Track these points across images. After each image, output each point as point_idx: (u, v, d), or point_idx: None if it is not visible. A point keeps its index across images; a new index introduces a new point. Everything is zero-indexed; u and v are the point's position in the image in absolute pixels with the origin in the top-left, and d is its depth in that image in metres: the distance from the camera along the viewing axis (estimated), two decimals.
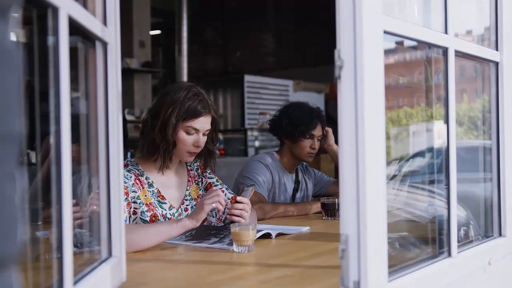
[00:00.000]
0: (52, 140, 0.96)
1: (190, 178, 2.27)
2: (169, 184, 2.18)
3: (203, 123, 2.10)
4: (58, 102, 0.94)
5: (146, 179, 2.12)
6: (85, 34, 1.18)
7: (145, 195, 2.08)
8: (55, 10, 0.93)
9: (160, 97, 2.14)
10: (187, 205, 2.21)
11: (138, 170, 2.11)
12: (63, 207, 0.95)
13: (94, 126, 1.28)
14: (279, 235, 2.07)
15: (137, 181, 2.07)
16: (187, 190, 2.24)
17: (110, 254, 1.30)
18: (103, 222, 1.29)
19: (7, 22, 0.49)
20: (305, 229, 2.25)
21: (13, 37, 0.50)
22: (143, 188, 2.09)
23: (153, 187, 2.12)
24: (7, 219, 0.49)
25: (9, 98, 0.48)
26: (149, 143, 2.10)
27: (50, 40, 0.95)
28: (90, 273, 1.16)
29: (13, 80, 0.49)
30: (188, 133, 2.09)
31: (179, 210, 2.17)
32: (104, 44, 1.27)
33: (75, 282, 1.02)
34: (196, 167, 2.31)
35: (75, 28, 1.05)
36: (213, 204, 1.89)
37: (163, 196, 2.13)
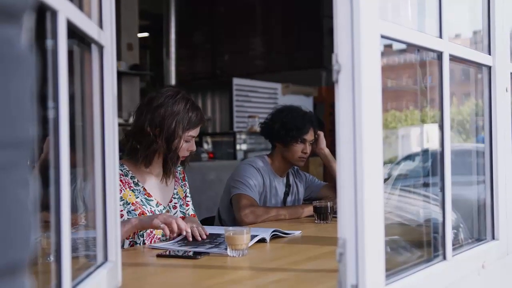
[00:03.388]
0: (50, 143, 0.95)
1: (176, 178, 2.34)
2: (156, 184, 2.23)
3: (198, 130, 2.22)
4: (57, 106, 0.93)
5: (131, 178, 2.15)
6: (81, 37, 1.17)
7: (129, 195, 2.11)
8: (54, 13, 0.92)
9: (155, 107, 2.12)
10: (175, 203, 2.28)
11: (122, 170, 2.14)
12: (61, 211, 0.94)
13: (89, 129, 1.27)
14: (273, 237, 2.07)
15: (119, 182, 2.08)
16: (175, 189, 2.30)
17: (106, 259, 1.29)
18: (99, 227, 1.28)
19: (20, 28, 0.48)
20: (297, 233, 2.25)
21: (25, 42, 0.50)
22: (127, 188, 2.12)
23: (139, 186, 2.16)
24: (22, 225, 0.48)
25: (22, 104, 0.48)
26: (152, 152, 2.14)
27: (48, 43, 0.94)
28: (87, 278, 1.15)
29: (26, 86, 0.48)
30: (187, 141, 2.18)
31: (167, 207, 2.23)
32: (100, 48, 1.26)
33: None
34: (179, 171, 2.37)
35: (72, 31, 1.04)
36: (161, 225, 1.91)
37: (149, 193, 2.18)
